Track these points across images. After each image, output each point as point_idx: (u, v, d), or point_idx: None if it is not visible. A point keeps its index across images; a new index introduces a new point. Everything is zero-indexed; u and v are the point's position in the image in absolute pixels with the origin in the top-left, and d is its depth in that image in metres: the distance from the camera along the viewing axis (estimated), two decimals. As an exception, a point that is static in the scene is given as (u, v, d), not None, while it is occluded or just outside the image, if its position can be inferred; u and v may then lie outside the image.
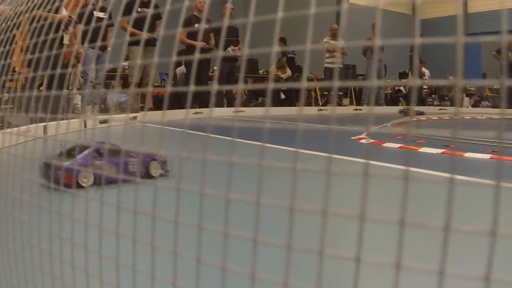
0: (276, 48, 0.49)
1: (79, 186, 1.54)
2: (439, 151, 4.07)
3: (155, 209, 0.62)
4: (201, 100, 8.83)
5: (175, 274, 0.61)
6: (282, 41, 10.85)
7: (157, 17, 6.29)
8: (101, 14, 6.07)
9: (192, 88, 0.55)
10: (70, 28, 4.89)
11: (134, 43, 6.37)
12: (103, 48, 6.46)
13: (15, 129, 3.79)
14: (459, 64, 0.41)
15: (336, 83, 0.47)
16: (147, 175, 2.38)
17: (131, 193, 0.63)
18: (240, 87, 0.51)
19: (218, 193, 0.50)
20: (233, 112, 9.50)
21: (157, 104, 8.50)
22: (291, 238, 0.44)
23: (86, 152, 1.77)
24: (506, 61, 12.48)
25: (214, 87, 0.57)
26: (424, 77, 13.42)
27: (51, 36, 1.15)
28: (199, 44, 1.09)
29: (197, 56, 0.64)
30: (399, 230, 0.37)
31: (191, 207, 0.59)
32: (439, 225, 0.35)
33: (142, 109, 7.72)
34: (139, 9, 7.08)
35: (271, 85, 0.48)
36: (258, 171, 0.50)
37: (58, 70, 1.09)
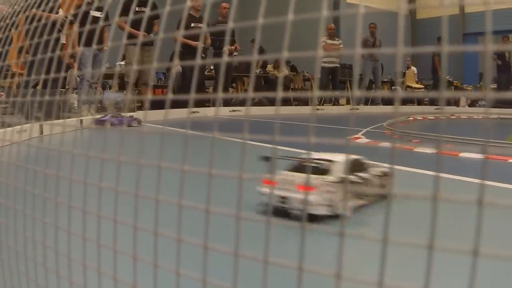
0: (256, 57, 0.48)
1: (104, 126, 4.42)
2: (434, 150, 4.06)
3: (136, 220, 0.60)
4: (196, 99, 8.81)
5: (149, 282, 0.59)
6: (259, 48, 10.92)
7: (155, 16, 6.25)
8: (97, 13, 6.03)
9: (170, 96, 0.54)
10: (66, 28, 4.87)
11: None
12: (100, 48, 6.42)
13: (9, 128, 3.75)
14: (443, 72, 0.40)
15: (317, 88, 0.46)
16: (131, 126, 6.08)
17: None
18: (219, 96, 0.49)
19: (171, 200, 0.49)
20: (230, 112, 9.49)
21: (154, 104, 8.46)
22: (268, 252, 0.43)
23: (107, 115, 5.96)
24: (502, 60, 12.51)
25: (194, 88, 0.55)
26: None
27: (45, 35, 1.13)
28: (194, 43, 1.07)
29: (187, 53, 0.62)
30: (382, 248, 0.36)
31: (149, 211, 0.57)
32: (422, 243, 0.34)
33: (138, 108, 7.69)
34: (136, 9, 7.02)
35: (249, 89, 0.46)
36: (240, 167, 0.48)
37: (53, 74, 1.07)
